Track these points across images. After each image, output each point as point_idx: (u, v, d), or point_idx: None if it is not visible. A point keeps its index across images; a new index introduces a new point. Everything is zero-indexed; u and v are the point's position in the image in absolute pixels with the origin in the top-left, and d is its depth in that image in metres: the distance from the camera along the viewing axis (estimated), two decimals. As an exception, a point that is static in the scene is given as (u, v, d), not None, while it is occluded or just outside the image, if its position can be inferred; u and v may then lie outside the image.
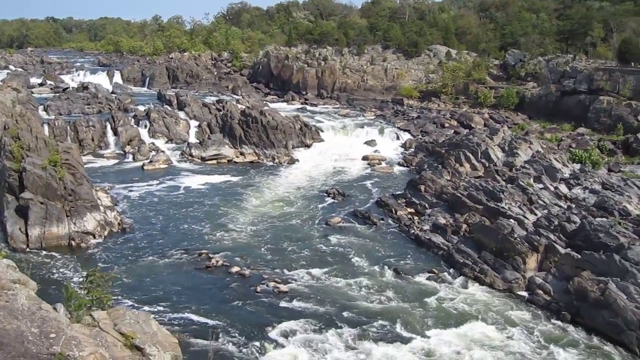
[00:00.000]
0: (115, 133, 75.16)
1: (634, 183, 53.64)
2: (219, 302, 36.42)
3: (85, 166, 54.94)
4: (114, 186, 58.97)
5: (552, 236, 42.61)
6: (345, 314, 35.59)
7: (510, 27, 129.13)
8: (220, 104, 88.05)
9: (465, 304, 37.83)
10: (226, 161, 72.67)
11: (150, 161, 69.41)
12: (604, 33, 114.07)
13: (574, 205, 48.71)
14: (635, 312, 34.18)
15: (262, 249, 44.89)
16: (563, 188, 52.57)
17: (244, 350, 31.18)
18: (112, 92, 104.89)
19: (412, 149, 78.49)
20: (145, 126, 78.27)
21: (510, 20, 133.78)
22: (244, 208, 54.13)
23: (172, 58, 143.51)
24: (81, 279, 34.30)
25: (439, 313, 36.58)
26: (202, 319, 34.10)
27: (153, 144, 75.37)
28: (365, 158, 75.55)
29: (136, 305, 34.79)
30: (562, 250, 40.94)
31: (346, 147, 78.80)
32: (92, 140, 73.36)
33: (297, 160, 73.64)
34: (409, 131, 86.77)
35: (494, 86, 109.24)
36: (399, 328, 34.39)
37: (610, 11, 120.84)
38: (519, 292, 39.90)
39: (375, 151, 78.54)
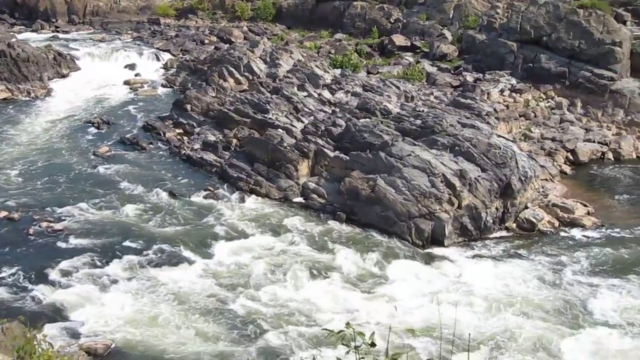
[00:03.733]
0: None
1: (392, 83, 55.95)
2: (-12, 251, 34.10)
3: None
4: None
5: (320, 141, 43.68)
6: (125, 243, 34.80)
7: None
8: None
9: (245, 217, 38.21)
10: (-24, 101, 67.39)
11: None
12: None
13: (338, 110, 50.06)
14: (404, 204, 36.21)
15: (30, 189, 42.23)
16: (326, 94, 53.78)
17: (22, 296, 29.70)
18: None
19: (174, 69, 76.64)
20: None
21: None
22: (2, 148, 50.64)
23: None
24: None
25: (219, 230, 36.73)
26: (-29, 272, 31.79)
27: None
28: (126, 83, 72.90)
29: None
30: (331, 154, 42.19)
31: (105, 74, 75.37)
32: None
33: (55, 92, 69.76)
34: (168, 51, 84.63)
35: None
36: (181, 250, 34.23)
37: None
38: (295, 199, 40.87)
39: (137, 75, 75.91)
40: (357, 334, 5.92)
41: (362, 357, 6.04)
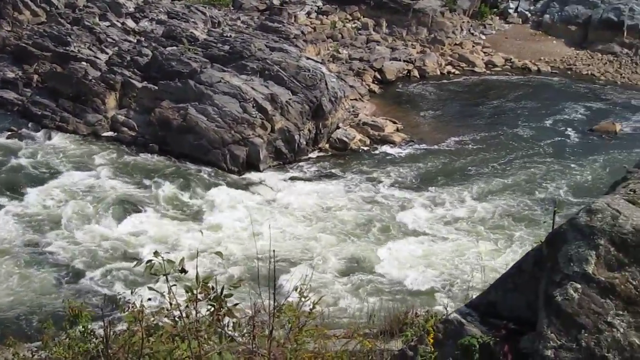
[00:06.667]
0: None
1: (198, 9, 54.90)
2: None
3: None
4: None
5: (127, 72, 42.39)
6: None
7: None
8: None
9: (53, 155, 36.80)
10: None
11: None
12: None
13: (143, 39, 48.71)
14: (216, 131, 36.08)
15: None
16: (130, 23, 52.15)
17: None
18: None
19: (-37, 3, 71.77)
20: None
21: None
22: None
23: None
24: None
25: (27, 171, 35.26)
26: None
27: None
28: None
29: None
30: (139, 85, 41.12)
31: None
32: None
33: None
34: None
35: None
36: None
37: None
38: (105, 134, 39.63)
39: None
40: (166, 261, 5.80)
41: (174, 285, 5.95)
